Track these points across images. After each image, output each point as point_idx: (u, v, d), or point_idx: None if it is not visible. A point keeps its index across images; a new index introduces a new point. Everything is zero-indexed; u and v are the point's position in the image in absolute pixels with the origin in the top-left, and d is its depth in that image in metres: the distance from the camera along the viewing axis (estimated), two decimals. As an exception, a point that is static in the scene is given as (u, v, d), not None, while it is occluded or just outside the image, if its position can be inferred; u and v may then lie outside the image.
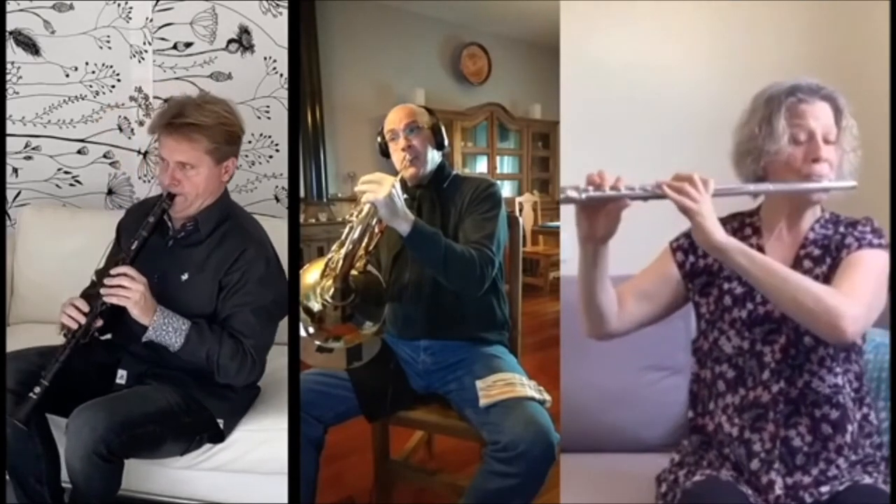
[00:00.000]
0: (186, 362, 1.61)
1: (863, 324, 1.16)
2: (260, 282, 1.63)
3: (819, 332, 1.17)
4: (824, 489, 1.26)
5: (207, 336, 1.58)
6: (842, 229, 1.31)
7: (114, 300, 1.53)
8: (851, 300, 1.14)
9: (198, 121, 1.57)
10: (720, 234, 1.15)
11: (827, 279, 1.25)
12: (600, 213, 1.16)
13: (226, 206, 1.71)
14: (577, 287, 1.27)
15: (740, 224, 1.37)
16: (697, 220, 1.14)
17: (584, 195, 1.13)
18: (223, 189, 1.71)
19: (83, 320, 1.54)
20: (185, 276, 1.64)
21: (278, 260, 1.71)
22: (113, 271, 1.55)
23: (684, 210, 1.15)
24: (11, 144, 2.41)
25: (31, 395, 1.49)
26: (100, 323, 1.58)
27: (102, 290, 1.54)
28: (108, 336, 1.74)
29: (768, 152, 1.26)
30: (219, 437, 1.68)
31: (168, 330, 1.56)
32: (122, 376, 1.66)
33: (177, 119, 1.57)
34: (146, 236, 1.59)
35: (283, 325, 1.72)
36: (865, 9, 1.92)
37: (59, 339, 1.66)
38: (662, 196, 1.15)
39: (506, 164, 7.09)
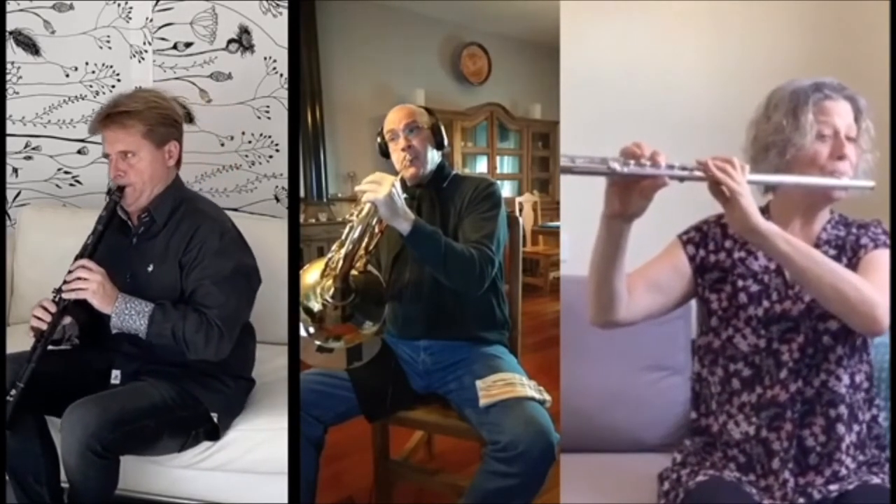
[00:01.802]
0: (178, 357, 1.62)
1: (890, 317, 1.16)
2: (216, 253, 1.63)
3: (855, 321, 1.16)
4: (833, 487, 1.26)
5: (171, 313, 1.57)
6: (854, 230, 1.31)
7: (72, 294, 1.54)
8: (883, 294, 1.16)
9: (128, 107, 1.61)
10: (760, 218, 1.13)
11: None
12: (634, 190, 1.10)
13: (178, 192, 1.71)
14: (590, 269, 1.23)
15: None
16: (739, 202, 1.12)
17: (626, 169, 1.07)
18: (174, 176, 1.71)
19: (49, 319, 1.55)
20: (150, 268, 1.66)
21: (237, 232, 1.71)
22: (71, 266, 1.57)
23: (722, 191, 1.12)
24: (11, 144, 2.41)
25: (8, 397, 1.50)
26: (68, 320, 1.59)
27: (63, 287, 1.55)
28: (100, 340, 1.73)
29: (795, 145, 1.25)
30: (214, 432, 1.68)
31: (131, 313, 1.56)
32: (116, 376, 1.67)
33: (111, 109, 1.61)
34: (101, 230, 1.60)
35: (284, 324, 1.73)
36: (866, 9, 1.92)
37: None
38: (701, 177, 1.12)
39: (506, 164, 7.09)
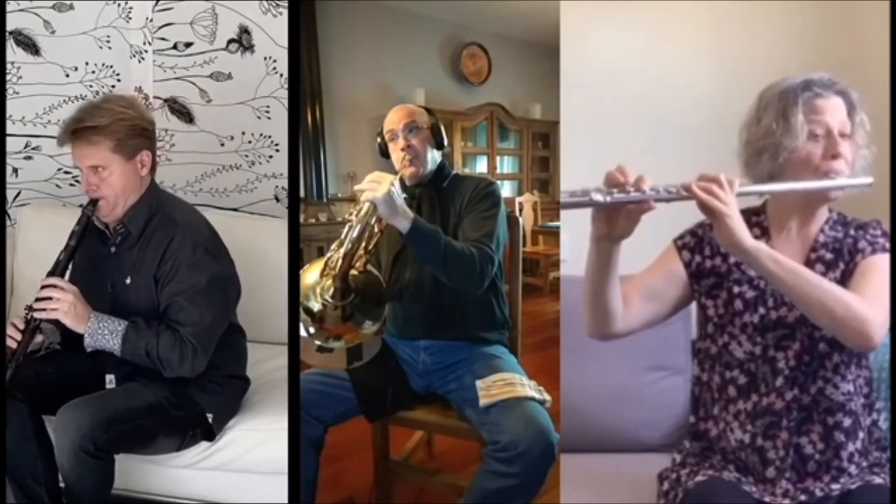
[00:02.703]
0: None
1: (886, 330, 1.15)
2: (189, 267, 1.61)
3: (845, 337, 1.15)
4: (834, 486, 1.25)
5: (144, 332, 1.56)
6: (852, 232, 1.29)
7: (43, 315, 1.53)
8: (876, 307, 1.13)
9: (94, 122, 1.57)
10: (748, 238, 1.12)
11: (839, 284, 1.22)
12: (620, 214, 1.11)
13: (153, 200, 1.68)
14: (584, 285, 1.23)
15: (747, 222, 1.30)
16: (726, 222, 1.11)
17: (609, 198, 1.07)
18: (148, 183, 1.69)
19: (19, 338, 1.54)
20: (128, 280, 1.65)
21: (213, 239, 1.69)
22: (42, 283, 1.55)
23: (711, 211, 1.11)
24: (11, 144, 2.40)
25: None
26: (39, 338, 1.59)
27: (34, 306, 1.54)
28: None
29: (786, 148, 1.22)
30: (210, 432, 1.68)
31: (104, 333, 1.55)
32: (111, 381, 1.67)
33: (76, 125, 1.58)
34: (74, 245, 1.59)
35: (284, 324, 1.72)
36: (866, 9, 1.92)
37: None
38: (687, 198, 1.11)
39: (506, 164, 7.09)
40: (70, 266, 1.61)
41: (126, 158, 1.61)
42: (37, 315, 1.54)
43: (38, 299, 1.54)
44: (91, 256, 1.67)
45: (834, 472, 1.26)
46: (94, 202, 1.61)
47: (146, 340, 1.56)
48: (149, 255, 1.63)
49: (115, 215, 1.65)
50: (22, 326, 1.55)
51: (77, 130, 1.58)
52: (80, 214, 1.61)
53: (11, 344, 1.54)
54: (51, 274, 1.57)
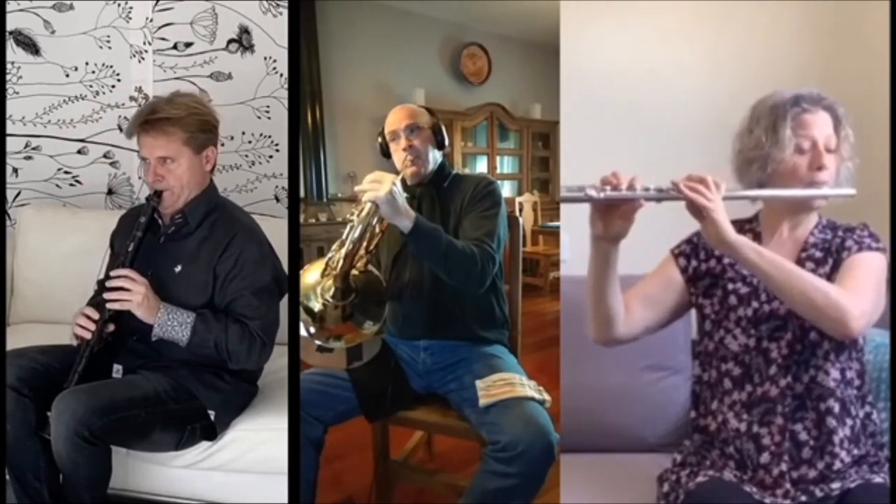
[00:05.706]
0: (181, 356, 1.63)
1: (866, 322, 1.20)
2: (256, 263, 1.65)
3: (825, 327, 1.20)
4: (835, 485, 1.27)
5: (213, 325, 1.60)
6: (840, 234, 1.35)
7: (117, 306, 1.56)
8: (856, 298, 1.19)
9: (169, 114, 1.61)
10: (732, 232, 1.19)
11: (829, 280, 1.28)
12: (615, 214, 1.19)
13: (213, 197, 1.73)
14: (587, 290, 1.28)
15: (740, 229, 1.37)
16: (711, 217, 1.18)
17: (602, 194, 1.15)
18: (209, 181, 1.73)
19: (93, 328, 1.57)
20: (177, 268, 1.67)
21: (269, 242, 1.73)
22: (113, 274, 1.58)
23: (698, 208, 1.18)
24: (11, 144, 2.41)
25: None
26: (111, 328, 1.61)
27: (106, 296, 1.57)
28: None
29: (774, 160, 1.29)
30: (211, 430, 1.68)
31: (174, 325, 1.58)
32: (117, 370, 1.67)
33: (150, 116, 1.61)
34: (140, 236, 1.62)
35: (283, 326, 1.73)
36: (865, 13, 1.92)
37: (58, 338, 1.69)
38: (677, 197, 1.18)
39: (506, 164, 7.09)
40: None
41: (194, 152, 1.65)
42: (110, 306, 1.56)
43: (109, 289, 1.56)
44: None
45: (827, 457, 1.29)
46: (157, 193, 1.64)
47: (215, 333, 1.59)
48: (208, 247, 1.66)
49: (175, 207, 1.68)
50: (96, 316, 1.57)
51: (151, 121, 1.61)
52: (145, 206, 1.64)
53: (84, 334, 1.57)
54: (121, 265, 1.59)
